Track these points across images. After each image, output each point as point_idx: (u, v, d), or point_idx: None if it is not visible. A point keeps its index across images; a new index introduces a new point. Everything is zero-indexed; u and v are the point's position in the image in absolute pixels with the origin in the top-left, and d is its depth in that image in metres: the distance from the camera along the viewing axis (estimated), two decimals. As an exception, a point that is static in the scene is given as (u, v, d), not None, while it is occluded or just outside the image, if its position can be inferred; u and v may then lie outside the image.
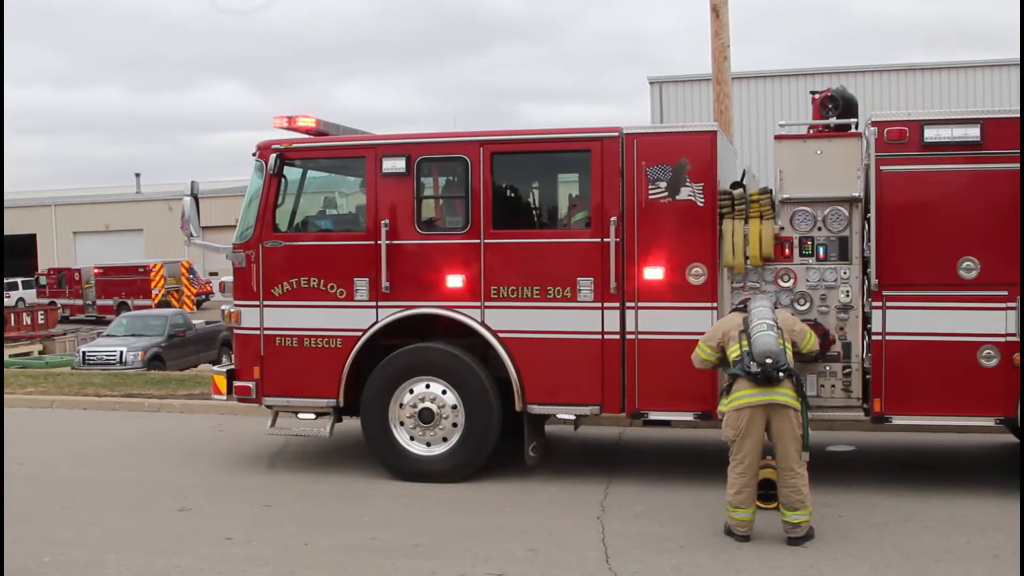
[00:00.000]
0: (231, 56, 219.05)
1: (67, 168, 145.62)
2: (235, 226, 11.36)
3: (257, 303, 11.00)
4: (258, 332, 11.00)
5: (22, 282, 58.59)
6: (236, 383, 11.17)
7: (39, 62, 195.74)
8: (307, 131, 11.25)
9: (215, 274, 54.26)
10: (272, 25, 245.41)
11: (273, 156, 10.93)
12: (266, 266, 10.96)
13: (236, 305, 11.18)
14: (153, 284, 50.50)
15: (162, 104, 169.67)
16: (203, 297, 54.27)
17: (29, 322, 43.52)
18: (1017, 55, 23.11)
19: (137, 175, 75.47)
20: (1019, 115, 9.41)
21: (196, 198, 11.20)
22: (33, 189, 75.52)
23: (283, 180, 11.04)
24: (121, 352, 27.76)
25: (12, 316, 42.81)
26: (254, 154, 11.13)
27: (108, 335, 30.72)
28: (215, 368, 12.47)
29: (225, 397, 11.43)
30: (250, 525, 9.26)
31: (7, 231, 65.35)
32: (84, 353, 28.58)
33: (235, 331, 11.31)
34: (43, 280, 57.15)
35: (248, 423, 13.97)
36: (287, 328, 10.91)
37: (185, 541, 8.77)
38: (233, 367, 11.31)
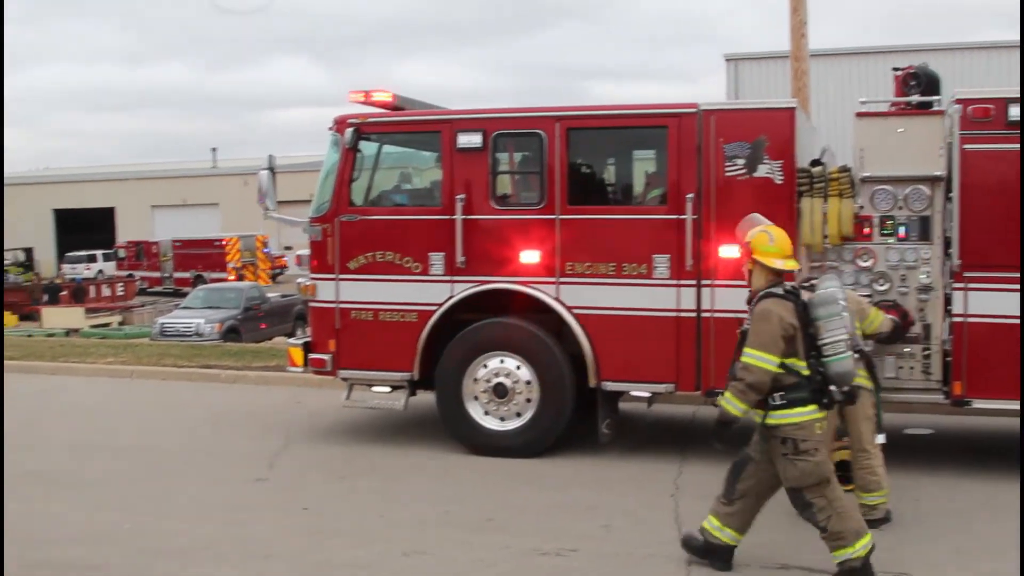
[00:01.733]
0: (292, 34, 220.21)
1: (137, 144, 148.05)
2: (308, 201, 11.44)
3: (333, 276, 11.08)
4: (334, 305, 11.08)
5: (102, 254, 59.60)
6: (312, 356, 11.27)
7: (103, 39, 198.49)
8: (383, 105, 11.27)
9: (290, 248, 54.80)
10: (330, 4, 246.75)
11: (350, 130, 10.96)
12: (342, 240, 11.02)
13: (312, 278, 11.26)
14: (228, 257, 51.16)
15: (227, 81, 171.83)
16: (278, 271, 54.83)
17: (109, 294, 44.44)
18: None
19: (213, 150, 76.50)
20: None
21: (273, 172, 11.27)
22: (112, 164, 76.73)
23: (359, 154, 11.07)
24: (198, 324, 28.16)
25: (92, 288, 43.79)
26: (331, 128, 11.17)
27: (185, 307, 31.20)
28: (291, 340, 12.58)
29: (301, 369, 11.57)
30: (325, 496, 9.37)
31: (88, 204, 66.86)
32: (162, 325, 29.05)
33: (311, 304, 11.41)
34: (122, 253, 58.13)
35: (323, 395, 14.08)
36: (363, 301, 10.98)
37: (261, 511, 8.90)
38: (309, 340, 11.42)
